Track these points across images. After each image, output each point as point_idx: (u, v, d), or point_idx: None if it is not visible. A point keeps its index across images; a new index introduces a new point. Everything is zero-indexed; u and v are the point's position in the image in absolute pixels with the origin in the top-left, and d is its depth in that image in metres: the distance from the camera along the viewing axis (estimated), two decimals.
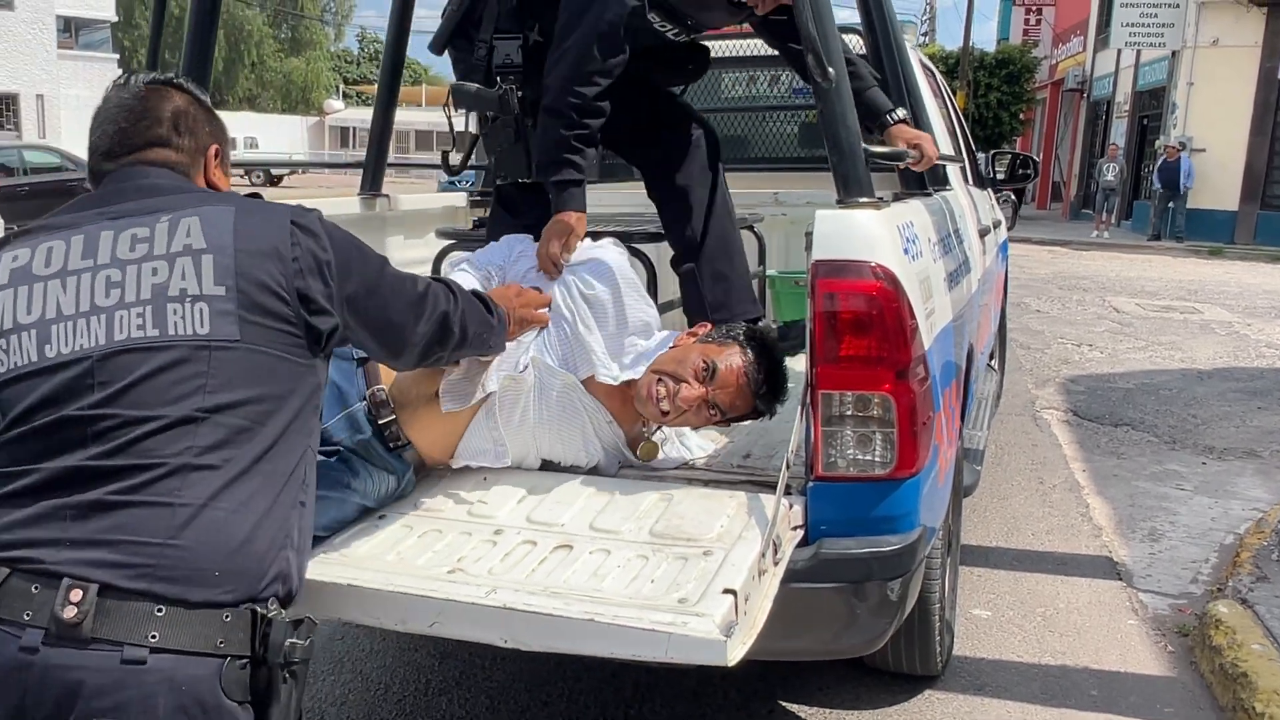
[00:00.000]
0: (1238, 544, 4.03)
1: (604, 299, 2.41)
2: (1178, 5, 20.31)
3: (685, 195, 2.93)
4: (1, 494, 1.41)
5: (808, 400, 2.11)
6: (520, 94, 2.69)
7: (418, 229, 3.83)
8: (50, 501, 1.39)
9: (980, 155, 5.40)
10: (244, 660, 1.42)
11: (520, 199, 2.92)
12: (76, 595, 1.33)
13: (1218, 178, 19.39)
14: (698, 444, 2.54)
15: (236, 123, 30.33)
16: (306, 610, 1.55)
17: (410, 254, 3.51)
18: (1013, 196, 5.82)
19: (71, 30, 32.27)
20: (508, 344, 2.25)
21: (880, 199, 2.23)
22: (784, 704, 2.83)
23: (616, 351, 2.41)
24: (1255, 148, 19.32)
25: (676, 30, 2.73)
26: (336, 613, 1.95)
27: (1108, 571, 3.86)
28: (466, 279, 2.42)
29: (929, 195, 3.01)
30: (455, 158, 3.11)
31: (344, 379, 2.22)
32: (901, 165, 2.76)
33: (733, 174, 3.14)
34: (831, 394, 2.09)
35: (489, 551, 2.02)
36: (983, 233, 3.98)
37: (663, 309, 2.75)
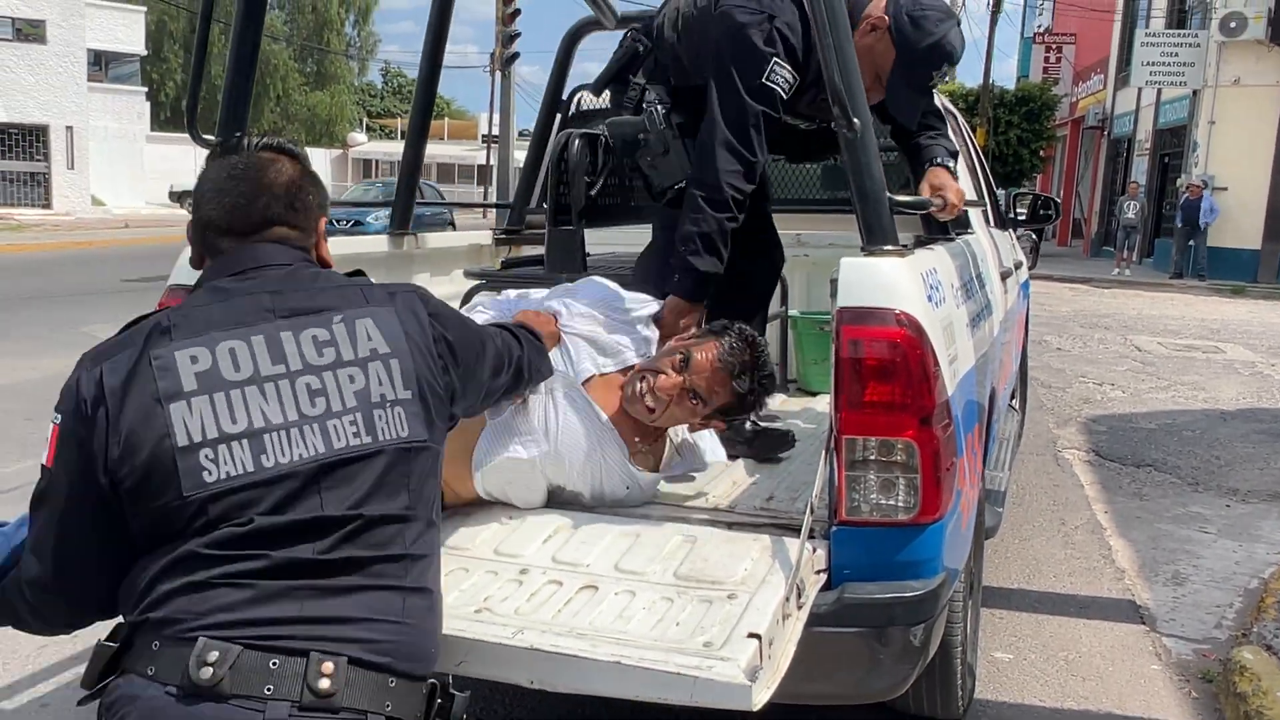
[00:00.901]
0: (1262, 588, 4.00)
1: (595, 313, 2.53)
2: (1199, 45, 20.33)
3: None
4: (219, 576, 1.43)
5: (831, 444, 2.13)
6: (666, 112, 2.81)
7: (444, 266, 3.89)
8: (282, 583, 1.44)
9: (1000, 192, 5.41)
10: None
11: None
12: (329, 667, 1.40)
13: (1240, 217, 19.34)
14: (710, 447, 2.56)
15: None
16: None
17: (436, 291, 3.53)
18: (1033, 235, 5.82)
19: (101, 63, 32.76)
20: None
21: (904, 246, 2.26)
22: None
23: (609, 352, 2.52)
24: (1277, 187, 19.25)
25: (806, 123, 2.91)
26: None
27: (1131, 615, 3.84)
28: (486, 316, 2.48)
29: (951, 240, 3.03)
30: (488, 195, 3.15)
31: None
32: (925, 212, 2.79)
33: None
34: (855, 439, 2.11)
35: (515, 591, 2.05)
36: (1004, 275, 4.00)
37: None
